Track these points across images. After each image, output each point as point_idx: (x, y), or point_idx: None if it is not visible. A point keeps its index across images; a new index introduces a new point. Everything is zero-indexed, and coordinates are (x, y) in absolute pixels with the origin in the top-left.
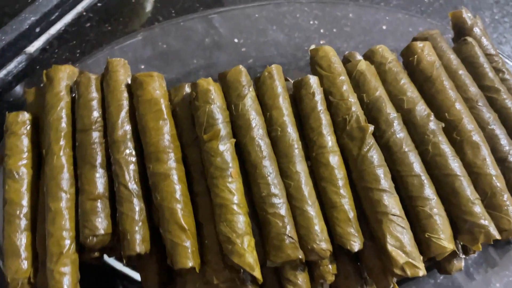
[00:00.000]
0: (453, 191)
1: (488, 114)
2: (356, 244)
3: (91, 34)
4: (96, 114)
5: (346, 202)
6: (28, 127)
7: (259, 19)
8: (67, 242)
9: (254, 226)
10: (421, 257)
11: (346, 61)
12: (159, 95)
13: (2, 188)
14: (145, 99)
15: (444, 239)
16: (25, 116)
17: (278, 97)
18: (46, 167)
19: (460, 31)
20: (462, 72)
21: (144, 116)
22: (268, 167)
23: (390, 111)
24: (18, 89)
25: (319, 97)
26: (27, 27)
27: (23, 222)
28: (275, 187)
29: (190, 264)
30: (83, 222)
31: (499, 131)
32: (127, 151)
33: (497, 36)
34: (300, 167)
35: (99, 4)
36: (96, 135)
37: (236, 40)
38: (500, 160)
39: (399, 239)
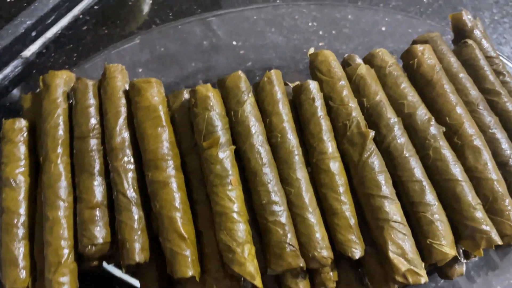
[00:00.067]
0: (455, 196)
1: (489, 118)
2: (357, 252)
3: (88, 37)
4: (93, 121)
5: (347, 209)
6: (25, 134)
7: (258, 21)
8: (66, 251)
9: (254, 234)
10: (423, 264)
11: (345, 64)
12: (157, 102)
13: None
14: (143, 106)
15: (446, 245)
16: (22, 123)
17: (278, 103)
18: (44, 175)
19: (460, 33)
20: (463, 75)
21: (142, 123)
22: (268, 174)
23: (391, 116)
24: (15, 93)
25: (319, 102)
26: (23, 31)
27: (21, 231)
28: (276, 194)
29: (190, 273)
30: (81, 231)
31: (500, 135)
32: (126, 159)
33: (496, 36)
34: (301, 174)
35: (95, 7)
36: (94, 143)
37: (234, 43)
38: (501, 164)
39: (401, 246)
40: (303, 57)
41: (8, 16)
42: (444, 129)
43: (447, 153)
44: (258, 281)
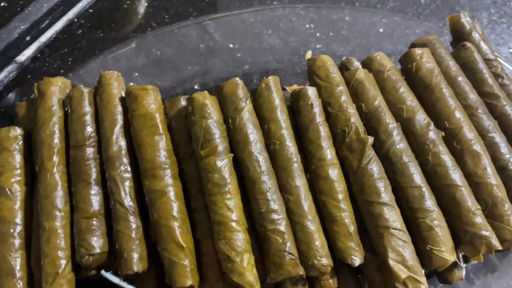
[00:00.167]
0: (454, 201)
1: (488, 122)
2: (357, 259)
3: (83, 41)
4: (89, 129)
5: (346, 216)
6: (20, 143)
7: (254, 23)
8: (63, 262)
9: (253, 242)
10: (423, 271)
11: (343, 67)
12: (154, 109)
13: None
14: (139, 114)
15: (446, 251)
16: (17, 131)
17: (276, 110)
18: (40, 185)
19: (459, 36)
20: (461, 78)
21: (139, 131)
22: (267, 182)
23: (390, 121)
24: (9, 99)
25: (317, 109)
26: (17, 36)
27: (17, 241)
28: (274, 202)
29: (189, 282)
30: (78, 241)
31: (499, 139)
32: (122, 168)
33: (494, 37)
34: (300, 181)
35: (90, 10)
36: (90, 151)
37: (231, 46)
38: (500, 168)
39: (401, 254)
40: (301, 60)
41: (2, 21)
42: (443, 133)
43: (447, 158)
44: None
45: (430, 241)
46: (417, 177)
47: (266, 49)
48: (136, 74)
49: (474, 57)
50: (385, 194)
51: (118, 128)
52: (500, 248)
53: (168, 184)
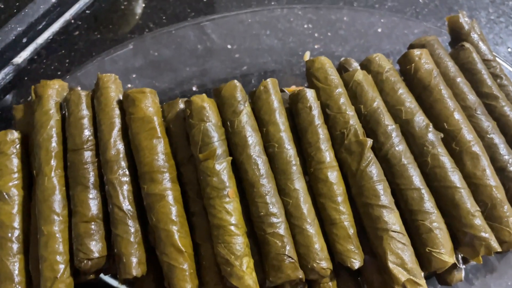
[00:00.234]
0: (453, 203)
1: (487, 123)
2: (356, 262)
3: (80, 42)
4: (87, 132)
5: (345, 219)
6: (18, 146)
7: (252, 24)
8: (61, 266)
9: (252, 245)
10: (422, 273)
11: (342, 68)
12: (152, 113)
13: None
14: (137, 117)
15: (445, 253)
16: (14, 135)
17: (275, 112)
18: (38, 189)
19: (457, 36)
20: (460, 79)
21: (137, 134)
22: (266, 185)
23: (389, 123)
24: (6, 101)
25: (316, 111)
26: (14, 37)
27: (16, 245)
28: (273, 206)
29: (188, 286)
30: (77, 245)
31: (498, 140)
32: (121, 171)
33: (493, 36)
34: (299, 184)
35: (87, 11)
36: (88, 155)
37: (229, 46)
38: (499, 169)
39: (400, 256)
40: (299, 60)
41: None
42: (442, 135)
43: (446, 160)
44: None
45: (429, 243)
46: (416, 179)
47: (264, 50)
48: (134, 76)
49: (473, 57)
50: (384, 196)
51: (116, 132)
52: (499, 249)
53: (167, 187)
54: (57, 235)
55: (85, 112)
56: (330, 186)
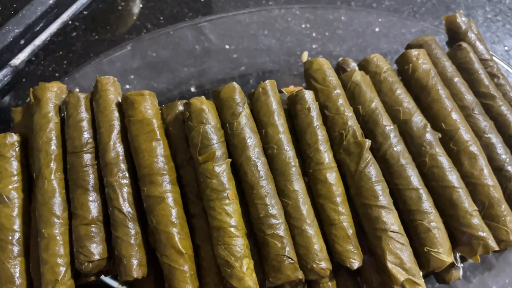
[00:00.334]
0: (451, 203)
1: (485, 123)
2: (355, 262)
3: (77, 43)
4: (86, 135)
5: (344, 219)
6: (17, 149)
7: (250, 24)
8: (62, 269)
9: (252, 246)
10: (421, 273)
11: (340, 68)
12: (151, 115)
13: None
14: (137, 120)
15: (443, 253)
16: (14, 137)
17: (273, 114)
18: (38, 192)
19: (455, 36)
20: (458, 79)
21: (136, 137)
22: (265, 187)
23: (387, 123)
24: (4, 102)
25: (314, 112)
26: (11, 39)
27: (16, 248)
28: (273, 207)
29: None
30: (77, 248)
31: (496, 140)
32: (120, 174)
33: (490, 35)
34: (298, 185)
35: (85, 12)
36: (87, 157)
37: (227, 47)
38: (496, 168)
39: (399, 256)
40: (297, 60)
41: None
42: (440, 135)
43: (443, 160)
44: None
45: (427, 242)
46: (414, 179)
47: (262, 50)
48: (132, 77)
49: (470, 57)
50: (383, 197)
51: (115, 134)
52: (497, 248)
53: (167, 190)
54: (58, 237)
55: (84, 114)
56: (329, 187)
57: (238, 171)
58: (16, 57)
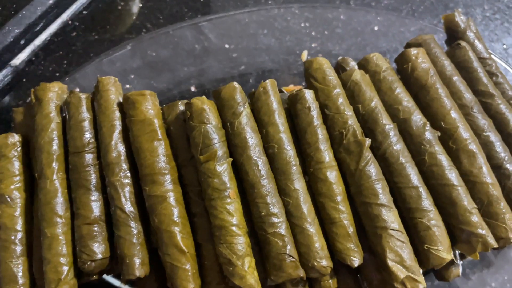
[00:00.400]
0: (450, 201)
1: (483, 121)
2: (356, 260)
3: (77, 43)
4: (88, 135)
5: (345, 218)
6: (19, 149)
7: (249, 23)
8: (65, 268)
9: (253, 244)
10: (421, 270)
11: (339, 67)
12: (152, 115)
13: None
14: (138, 120)
15: (443, 251)
16: (15, 138)
17: (274, 113)
18: (40, 192)
19: (453, 34)
20: (457, 78)
21: (138, 137)
22: (266, 186)
23: (386, 122)
24: (5, 102)
25: (315, 112)
26: (11, 39)
27: (19, 248)
28: (274, 206)
29: (191, 286)
30: (80, 247)
31: (494, 138)
32: (122, 173)
33: (488, 33)
34: (298, 184)
35: (84, 12)
36: (89, 157)
37: (226, 46)
38: (495, 166)
39: (399, 254)
40: (296, 59)
41: None
42: (439, 133)
43: (443, 158)
44: None
45: (427, 240)
46: (414, 178)
47: (262, 49)
48: (132, 76)
49: (469, 56)
50: (383, 195)
51: (116, 134)
52: (496, 246)
53: (168, 189)
54: (60, 237)
55: (85, 115)
56: (330, 185)
57: (239, 171)
58: (16, 57)
